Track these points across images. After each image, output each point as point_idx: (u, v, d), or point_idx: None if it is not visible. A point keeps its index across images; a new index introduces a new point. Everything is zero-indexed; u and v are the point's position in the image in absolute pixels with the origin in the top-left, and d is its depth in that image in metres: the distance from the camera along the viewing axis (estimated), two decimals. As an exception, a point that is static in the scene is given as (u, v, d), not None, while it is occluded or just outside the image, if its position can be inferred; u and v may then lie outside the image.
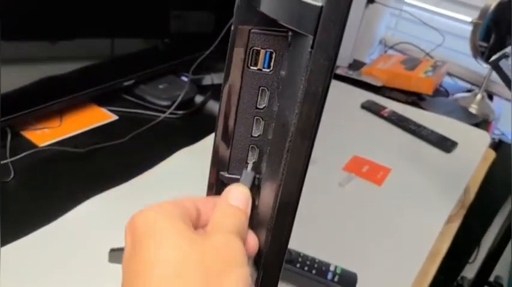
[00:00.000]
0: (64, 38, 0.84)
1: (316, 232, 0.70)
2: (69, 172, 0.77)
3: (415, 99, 1.22)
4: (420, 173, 0.90)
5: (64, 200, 0.68)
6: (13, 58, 0.77)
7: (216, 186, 0.34)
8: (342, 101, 1.14)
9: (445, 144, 1.00)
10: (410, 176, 0.89)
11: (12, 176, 0.72)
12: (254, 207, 0.31)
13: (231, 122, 0.32)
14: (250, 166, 0.33)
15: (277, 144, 0.29)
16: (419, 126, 1.05)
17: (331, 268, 0.63)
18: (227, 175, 0.34)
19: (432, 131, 1.04)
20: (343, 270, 0.63)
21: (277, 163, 0.28)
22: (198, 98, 1.04)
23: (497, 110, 1.24)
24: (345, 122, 1.05)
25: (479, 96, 1.24)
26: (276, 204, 0.28)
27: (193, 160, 0.82)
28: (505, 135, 1.24)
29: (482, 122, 1.17)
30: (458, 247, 0.79)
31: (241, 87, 0.31)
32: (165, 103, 0.97)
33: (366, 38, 1.52)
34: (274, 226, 0.29)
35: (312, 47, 0.23)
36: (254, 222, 0.31)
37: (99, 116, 0.92)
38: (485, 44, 1.12)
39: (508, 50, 0.78)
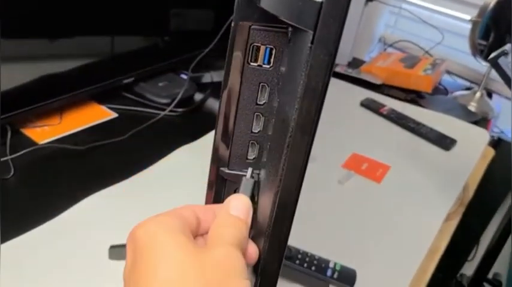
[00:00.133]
0: (64, 35, 0.84)
1: (316, 229, 0.70)
2: (69, 169, 0.77)
3: (414, 97, 1.23)
4: (419, 171, 0.90)
5: (64, 197, 0.69)
6: (13, 56, 0.77)
7: (216, 184, 0.35)
8: (342, 99, 1.15)
9: (444, 142, 1.00)
10: (410, 174, 0.90)
11: (12, 173, 0.73)
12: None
13: (231, 118, 0.32)
14: (249, 173, 0.33)
15: (277, 140, 0.29)
16: (418, 124, 1.05)
17: (331, 265, 0.63)
18: (227, 171, 0.34)
19: (431, 129, 1.04)
20: (342, 267, 0.63)
21: (277, 158, 0.28)
22: (198, 96, 1.04)
23: (496, 108, 1.25)
24: (345, 120, 1.05)
25: (478, 94, 1.25)
26: (276, 199, 0.28)
27: (193, 157, 0.83)
28: (504, 133, 1.24)
29: (481, 120, 1.17)
30: (457, 245, 0.79)
31: (241, 83, 0.31)
32: (164, 101, 0.97)
33: (365, 36, 1.52)
34: (274, 221, 0.29)
35: (312, 43, 0.23)
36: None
37: (99, 114, 0.92)
38: (484, 42, 1.12)
39: (507, 47, 0.78)
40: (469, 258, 0.90)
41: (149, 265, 0.25)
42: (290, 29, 0.28)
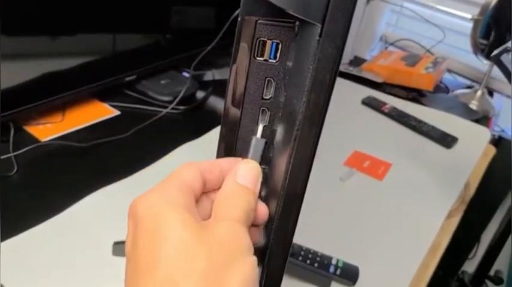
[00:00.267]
0: (66, 33, 0.84)
1: (318, 226, 0.71)
2: (71, 167, 0.77)
3: (416, 95, 1.23)
4: (421, 169, 0.91)
5: (67, 194, 0.69)
6: (16, 53, 0.77)
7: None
8: (343, 97, 1.15)
9: (446, 140, 1.01)
10: (411, 172, 0.90)
11: (15, 170, 0.73)
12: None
13: (237, 113, 0.32)
14: (259, 132, 0.31)
15: (283, 133, 0.29)
16: (419, 122, 1.06)
17: (333, 262, 0.63)
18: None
19: (433, 127, 1.04)
20: (345, 263, 0.63)
21: (284, 152, 0.28)
22: (200, 94, 1.04)
23: (497, 106, 1.25)
24: (346, 118, 1.05)
25: (479, 93, 1.25)
26: (283, 193, 0.28)
27: (195, 154, 0.83)
28: (505, 131, 1.24)
29: (482, 118, 1.17)
30: (459, 242, 0.80)
31: (247, 78, 0.31)
32: (166, 98, 0.97)
33: (366, 35, 1.52)
34: (280, 216, 0.29)
35: (320, 36, 0.23)
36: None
37: (101, 111, 0.92)
38: (485, 41, 1.12)
39: (509, 44, 0.78)
40: (470, 255, 0.90)
41: (153, 245, 0.24)
42: (297, 23, 0.28)
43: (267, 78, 0.31)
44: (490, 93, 1.31)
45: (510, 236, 0.86)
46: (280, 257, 0.30)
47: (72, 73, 0.87)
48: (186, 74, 1.05)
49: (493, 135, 1.14)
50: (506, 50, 0.76)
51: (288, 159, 0.27)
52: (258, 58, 0.31)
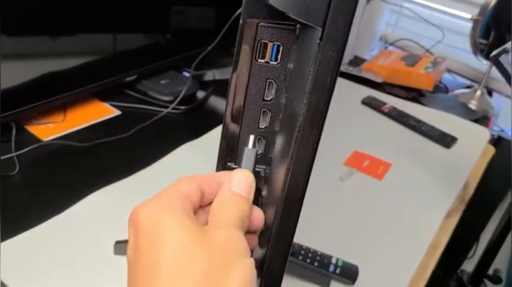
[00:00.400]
0: (66, 33, 0.84)
1: (318, 226, 0.71)
2: (73, 166, 0.77)
3: (415, 95, 1.23)
4: (420, 168, 0.91)
5: (68, 194, 0.69)
6: (17, 53, 0.77)
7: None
8: (343, 97, 1.15)
9: (445, 139, 1.01)
10: (411, 171, 0.90)
11: (17, 169, 0.73)
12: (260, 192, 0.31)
13: (238, 114, 0.33)
14: (251, 142, 0.32)
15: (284, 135, 0.29)
16: (419, 122, 1.06)
17: (333, 261, 0.64)
18: (234, 166, 0.34)
19: (432, 127, 1.04)
20: (344, 262, 0.64)
21: (285, 153, 0.28)
22: (200, 94, 1.05)
23: (496, 106, 1.25)
24: (346, 118, 1.05)
25: (478, 93, 1.25)
26: (284, 193, 0.28)
27: (196, 154, 0.83)
28: (504, 131, 1.25)
29: (481, 118, 1.17)
30: (458, 242, 0.80)
31: (248, 79, 0.32)
32: (167, 98, 0.97)
33: (366, 35, 1.52)
34: (280, 216, 0.29)
35: (320, 39, 0.24)
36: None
37: (102, 111, 0.92)
38: (484, 41, 1.12)
39: (508, 45, 0.78)
40: (469, 255, 0.91)
41: (153, 250, 0.25)
42: (298, 26, 0.29)
43: (268, 80, 0.32)
44: (490, 93, 1.31)
45: (509, 236, 0.87)
46: (280, 258, 0.31)
47: (73, 73, 0.88)
48: (186, 74, 1.06)
49: (493, 135, 1.14)
50: (505, 51, 0.76)
51: (289, 159, 0.27)
52: (259, 60, 0.31)
